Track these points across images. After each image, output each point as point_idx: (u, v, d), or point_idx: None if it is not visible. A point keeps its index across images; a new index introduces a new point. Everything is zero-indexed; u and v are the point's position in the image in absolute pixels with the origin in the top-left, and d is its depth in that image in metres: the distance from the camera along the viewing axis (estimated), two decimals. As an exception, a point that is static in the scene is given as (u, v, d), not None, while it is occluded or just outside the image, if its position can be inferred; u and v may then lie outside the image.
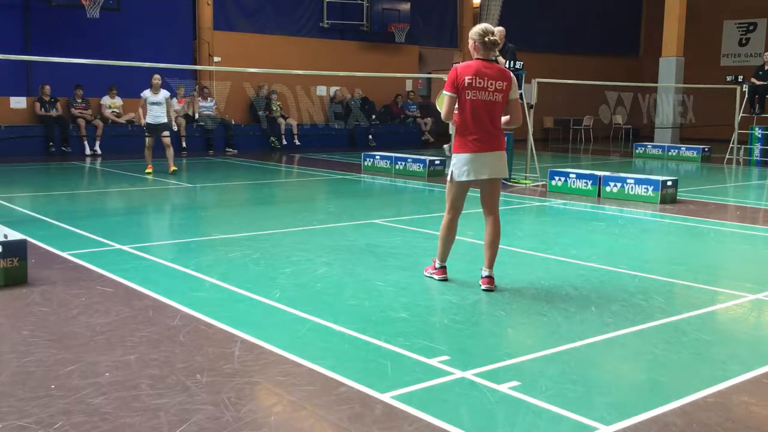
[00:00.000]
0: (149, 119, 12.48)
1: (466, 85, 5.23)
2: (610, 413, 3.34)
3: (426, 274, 5.79)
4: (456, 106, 5.36)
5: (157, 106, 12.40)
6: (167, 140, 12.65)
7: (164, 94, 12.52)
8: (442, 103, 5.44)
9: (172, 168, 12.62)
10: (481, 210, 5.59)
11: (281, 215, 9.16)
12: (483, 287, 5.35)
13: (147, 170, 12.78)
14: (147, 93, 12.42)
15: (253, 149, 18.27)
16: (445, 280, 5.64)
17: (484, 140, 5.29)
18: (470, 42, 5.35)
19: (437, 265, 5.69)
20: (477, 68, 5.26)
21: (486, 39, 5.24)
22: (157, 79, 12.42)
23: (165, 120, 12.58)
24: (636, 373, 3.98)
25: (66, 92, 16.46)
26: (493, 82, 5.26)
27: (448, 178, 5.50)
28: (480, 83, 5.22)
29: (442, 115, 5.46)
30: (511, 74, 5.46)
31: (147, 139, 12.64)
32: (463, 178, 5.36)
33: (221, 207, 10.11)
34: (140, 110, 12.67)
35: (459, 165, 5.35)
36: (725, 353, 4.25)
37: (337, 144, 19.66)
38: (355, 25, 20.88)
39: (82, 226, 7.74)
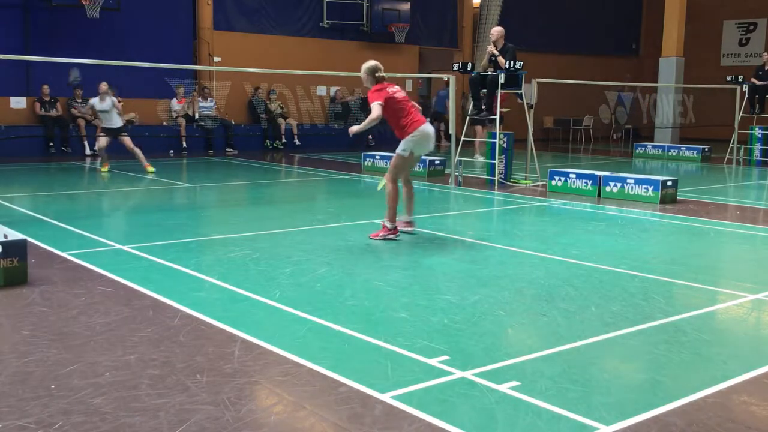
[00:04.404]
0: (104, 124, 12.82)
1: (391, 93, 7.07)
2: (610, 413, 3.34)
3: (377, 238, 7.07)
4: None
5: (106, 114, 12.64)
6: (128, 142, 12.81)
7: (110, 101, 12.64)
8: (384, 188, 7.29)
9: (149, 168, 12.71)
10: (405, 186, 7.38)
11: (281, 215, 9.16)
12: (403, 229, 7.15)
13: (103, 169, 13.04)
14: (95, 101, 12.69)
15: (253, 149, 18.27)
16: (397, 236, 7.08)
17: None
18: (363, 75, 7.14)
19: (390, 226, 7.13)
20: (386, 84, 7.17)
21: (376, 74, 7.11)
22: (103, 85, 12.61)
23: (119, 124, 12.82)
24: (636, 373, 3.98)
25: (66, 92, 16.46)
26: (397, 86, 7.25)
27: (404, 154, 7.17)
28: (396, 89, 7.18)
29: (373, 117, 6.93)
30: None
31: (101, 139, 12.92)
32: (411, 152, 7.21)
33: (221, 207, 10.11)
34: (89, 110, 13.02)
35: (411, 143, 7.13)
36: (725, 353, 4.25)
37: (337, 144, 19.66)
38: (355, 25, 20.88)
39: (82, 226, 7.74)
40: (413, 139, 7.10)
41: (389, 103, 7.04)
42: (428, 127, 7.20)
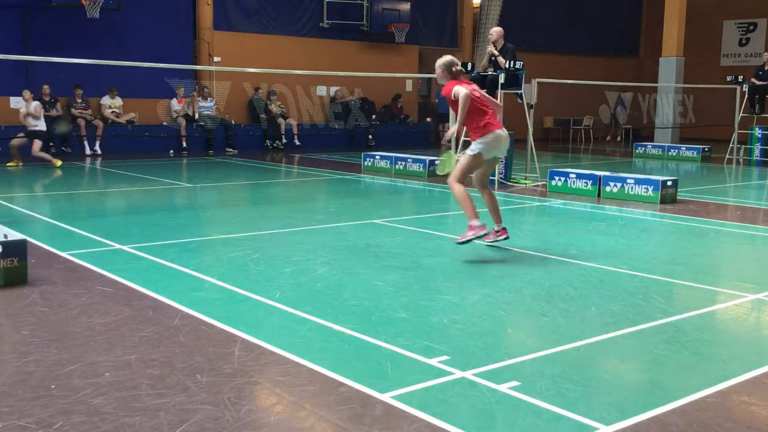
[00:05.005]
0: (32, 126, 13.77)
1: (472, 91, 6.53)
2: (610, 413, 3.34)
3: (464, 241, 6.46)
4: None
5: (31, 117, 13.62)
6: (36, 147, 13.68)
7: (34, 105, 13.75)
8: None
9: (57, 162, 13.74)
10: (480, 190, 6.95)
11: (281, 215, 9.16)
12: (497, 239, 6.73)
13: (10, 164, 13.58)
14: (24, 105, 13.76)
15: (253, 149, 18.27)
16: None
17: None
18: (439, 70, 6.67)
19: (477, 224, 6.46)
20: (464, 81, 6.64)
21: (453, 69, 6.65)
22: (26, 93, 13.84)
23: (43, 127, 13.86)
24: (636, 373, 3.98)
25: (66, 92, 16.45)
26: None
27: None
28: (475, 87, 6.67)
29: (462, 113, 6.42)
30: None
31: (19, 139, 13.84)
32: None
33: (221, 207, 10.11)
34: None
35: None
36: (725, 353, 4.25)
37: (337, 144, 19.66)
38: (355, 25, 20.88)
39: (82, 226, 7.74)
40: (486, 140, 6.54)
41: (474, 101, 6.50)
42: (504, 132, 6.67)
